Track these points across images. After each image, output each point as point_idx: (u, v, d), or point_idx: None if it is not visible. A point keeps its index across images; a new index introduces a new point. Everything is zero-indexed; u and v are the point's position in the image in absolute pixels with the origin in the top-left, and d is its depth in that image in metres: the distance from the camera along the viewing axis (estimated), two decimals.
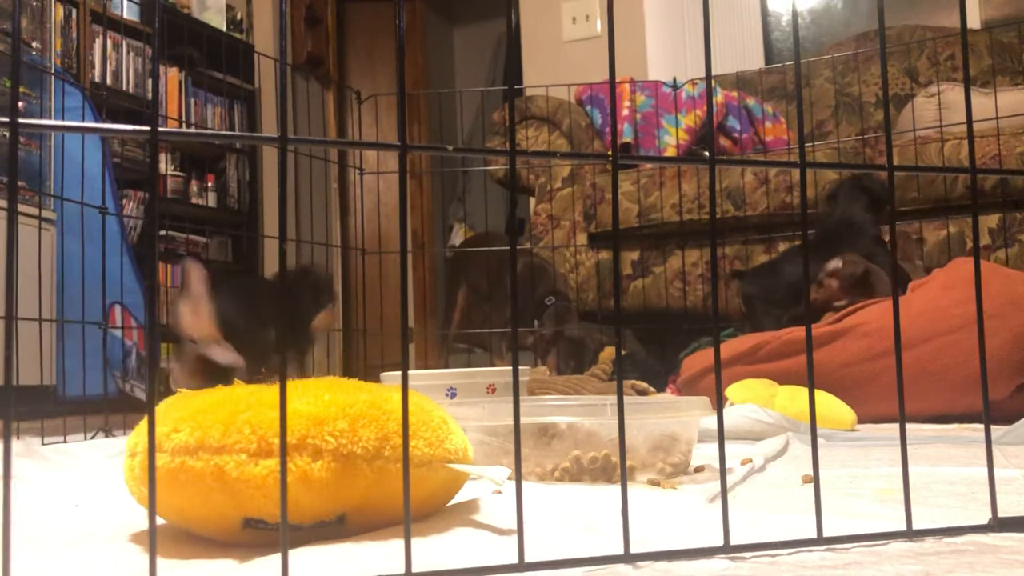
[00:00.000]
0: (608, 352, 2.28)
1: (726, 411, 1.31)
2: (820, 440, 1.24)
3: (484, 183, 3.51)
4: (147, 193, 3.55)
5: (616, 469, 0.91)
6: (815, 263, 1.92)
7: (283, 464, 0.47)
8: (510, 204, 0.65)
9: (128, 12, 3.63)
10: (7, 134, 0.45)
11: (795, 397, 1.41)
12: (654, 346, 2.83)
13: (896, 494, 0.76)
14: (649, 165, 2.63)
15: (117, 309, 2.65)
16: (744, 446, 1.16)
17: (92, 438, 1.56)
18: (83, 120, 2.30)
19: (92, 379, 1.80)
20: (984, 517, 0.60)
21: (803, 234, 0.63)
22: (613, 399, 1.40)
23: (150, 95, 2.56)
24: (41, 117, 2.67)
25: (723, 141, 2.80)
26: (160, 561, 0.57)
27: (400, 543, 0.48)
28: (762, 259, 2.39)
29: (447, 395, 1.41)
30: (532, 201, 2.94)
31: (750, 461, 0.97)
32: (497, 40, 5.25)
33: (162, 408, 0.68)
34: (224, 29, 4.08)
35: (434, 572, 0.49)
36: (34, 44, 3.03)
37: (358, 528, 0.64)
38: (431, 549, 0.58)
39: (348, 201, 4.64)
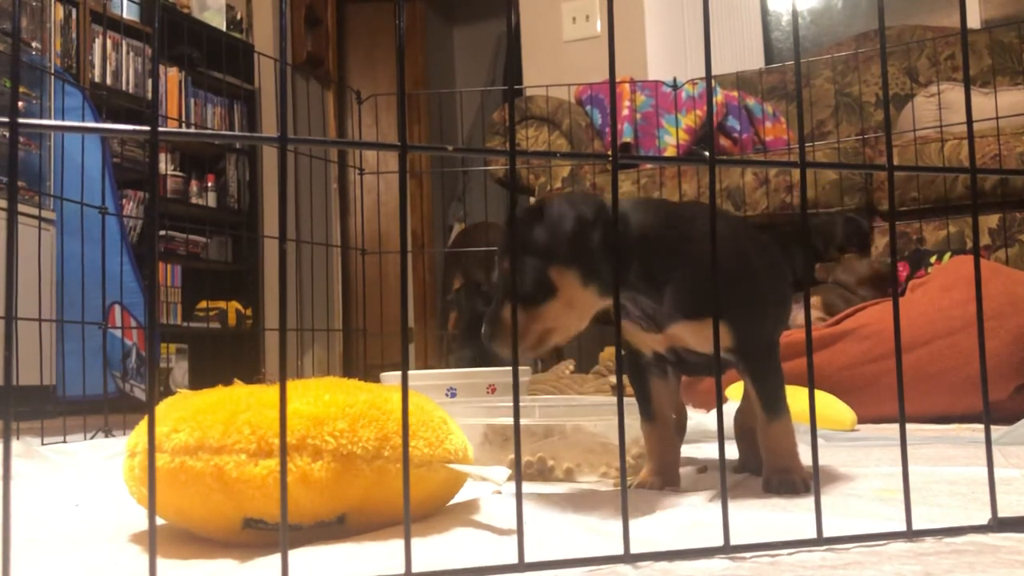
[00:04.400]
0: (608, 352, 2.28)
1: (725, 411, 1.31)
2: (820, 440, 1.24)
3: (484, 183, 3.50)
4: (147, 193, 3.55)
5: (552, 472, 0.93)
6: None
7: (283, 464, 0.47)
8: (510, 204, 0.66)
9: (128, 12, 3.63)
10: (7, 134, 0.45)
11: (794, 397, 1.41)
12: None
13: (896, 494, 0.76)
14: (649, 165, 2.63)
15: (117, 309, 2.65)
16: None
17: (92, 438, 1.56)
18: (83, 120, 2.30)
19: (92, 379, 1.80)
20: (984, 517, 0.60)
21: (803, 233, 0.63)
22: (545, 399, 1.41)
23: (150, 95, 2.56)
24: (41, 117, 2.67)
25: (723, 141, 2.80)
26: (160, 561, 0.57)
27: (400, 543, 0.48)
28: None
29: (447, 395, 1.41)
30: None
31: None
32: (497, 40, 5.25)
33: (162, 408, 0.68)
34: (224, 29, 4.08)
35: (434, 572, 0.49)
36: (34, 44, 3.03)
37: (358, 528, 0.64)
38: (431, 549, 0.58)
39: (348, 201, 4.64)
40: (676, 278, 0.76)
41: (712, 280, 0.60)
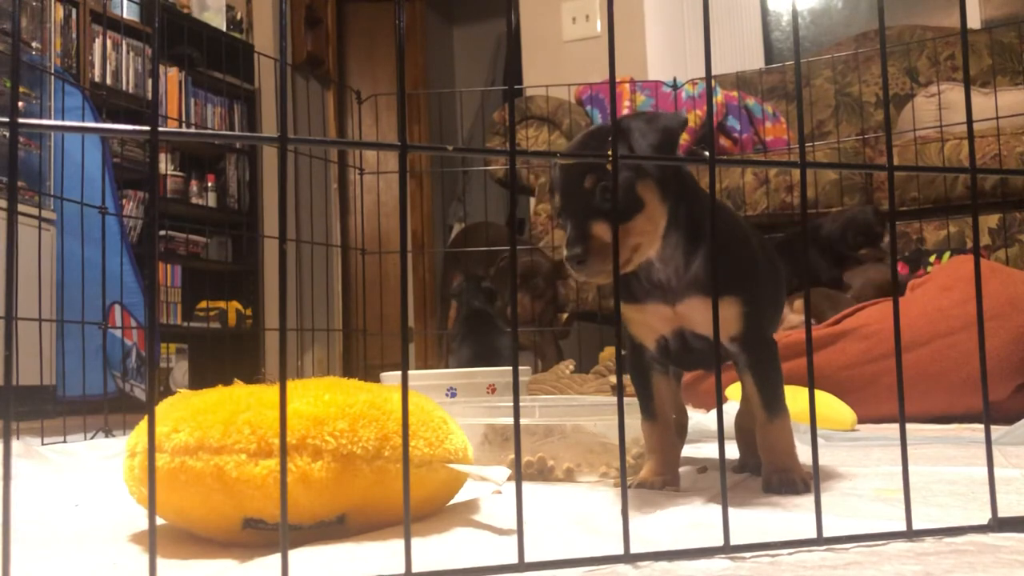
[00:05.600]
0: (608, 352, 2.28)
1: (725, 411, 1.31)
2: (820, 440, 1.24)
3: (484, 183, 3.50)
4: (147, 193, 3.55)
5: (552, 472, 0.93)
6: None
7: (283, 464, 0.47)
8: (510, 204, 0.65)
9: (128, 12, 3.63)
10: (7, 134, 0.45)
11: (794, 397, 1.40)
12: None
13: (896, 494, 0.76)
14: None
15: (117, 309, 2.65)
16: None
17: (92, 438, 1.56)
18: (83, 120, 2.30)
19: (92, 379, 1.80)
20: (984, 517, 0.60)
21: (803, 233, 0.63)
22: (545, 399, 1.41)
23: (150, 95, 2.56)
24: (41, 117, 2.66)
25: (723, 141, 2.80)
26: (160, 561, 0.57)
27: (400, 543, 0.48)
28: None
29: (447, 395, 1.41)
30: (532, 201, 2.94)
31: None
32: (497, 40, 5.25)
33: (162, 408, 0.68)
34: (224, 29, 4.07)
35: (434, 572, 0.49)
36: (34, 44, 3.02)
37: (358, 528, 0.64)
38: (431, 549, 0.58)
39: (348, 201, 4.64)
40: (707, 244, 0.77)
41: (712, 276, 0.60)
